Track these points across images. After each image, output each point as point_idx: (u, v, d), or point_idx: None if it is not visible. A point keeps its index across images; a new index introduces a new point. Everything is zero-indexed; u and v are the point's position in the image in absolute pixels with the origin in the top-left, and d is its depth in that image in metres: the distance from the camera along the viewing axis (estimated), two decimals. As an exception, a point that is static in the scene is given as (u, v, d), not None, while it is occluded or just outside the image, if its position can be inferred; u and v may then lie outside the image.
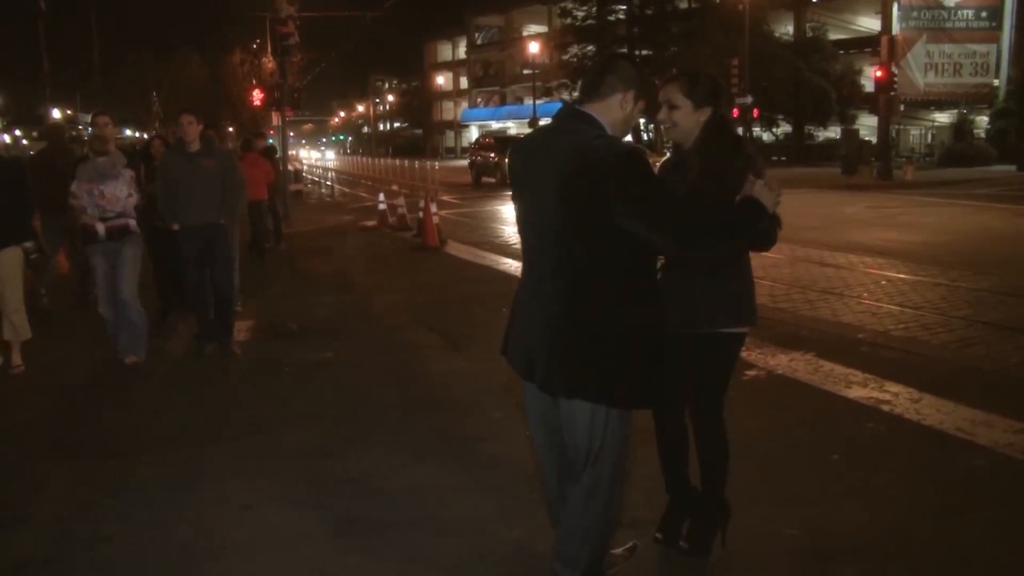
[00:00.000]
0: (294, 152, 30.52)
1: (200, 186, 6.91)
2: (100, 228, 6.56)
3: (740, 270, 3.33)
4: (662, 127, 3.37)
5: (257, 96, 32.19)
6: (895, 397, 5.43)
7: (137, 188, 6.84)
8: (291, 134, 40.82)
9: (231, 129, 54.50)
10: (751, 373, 6.09)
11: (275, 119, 27.79)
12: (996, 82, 39.66)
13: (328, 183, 33.26)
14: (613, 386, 2.83)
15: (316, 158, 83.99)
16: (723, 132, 3.28)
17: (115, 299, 6.68)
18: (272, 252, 13.60)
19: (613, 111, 2.88)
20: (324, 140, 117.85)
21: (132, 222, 6.71)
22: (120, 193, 6.61)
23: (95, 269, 6.82)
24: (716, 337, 3.29)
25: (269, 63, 37.62)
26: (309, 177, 39.56)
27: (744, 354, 6.46)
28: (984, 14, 39.24)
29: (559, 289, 2.85)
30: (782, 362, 6.31)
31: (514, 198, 3.09)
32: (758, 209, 2.84)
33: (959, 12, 39.13)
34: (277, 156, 18.39)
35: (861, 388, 5.65)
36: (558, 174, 2.78)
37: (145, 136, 60.49)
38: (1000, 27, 39.46)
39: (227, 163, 7.20)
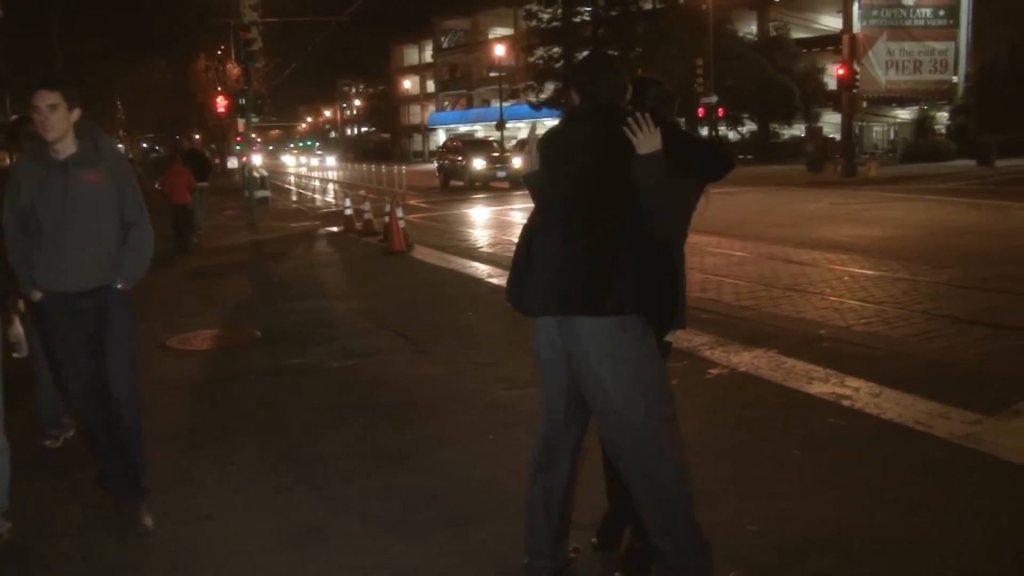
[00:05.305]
0: (259, 161, 30.30)
1: (80, 220, 3.93)
2: None
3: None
4: None
5: (221, 103, 32.00)
6: (855, 392, 5.49)
7: None
8: (258, 140, 40.50)
9: (198, 136, 54.01)
10: (714, 371, 6.14)
11: (240, 125, 27.64)
12: (955, 79, 40.37)
13: (305, 192, 33.02)
14: (635, 299, 3.01)
15: (314, 165, 77.41)
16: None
17: None
18: (189, 245, 15.36)
19: None
20: (318, 144, 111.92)
21: None
22: None
23: None
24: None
25: (234, 69, 37.38)
26: (291, 188, 39.20)
27: (707, 353, 6.55)
28: (942, 12, 39.93)
29: (588, 243, 3.04)
30: (745, 360, 6.36)
31: (539, 177, 3.32)
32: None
33: (918, 11, 39.79)
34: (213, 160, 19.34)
35: (822, 384, 5.71)
36: (598, 142, 3.11)
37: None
38: (957, 25, 40.14)
39: (125, 176, 4.09)
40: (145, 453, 4.18)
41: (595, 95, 3.21)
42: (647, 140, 3.00)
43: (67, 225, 3.91)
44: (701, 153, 3.27)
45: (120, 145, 58.48)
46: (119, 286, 4.02)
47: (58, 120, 3.88)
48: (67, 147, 3.95)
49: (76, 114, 3.96)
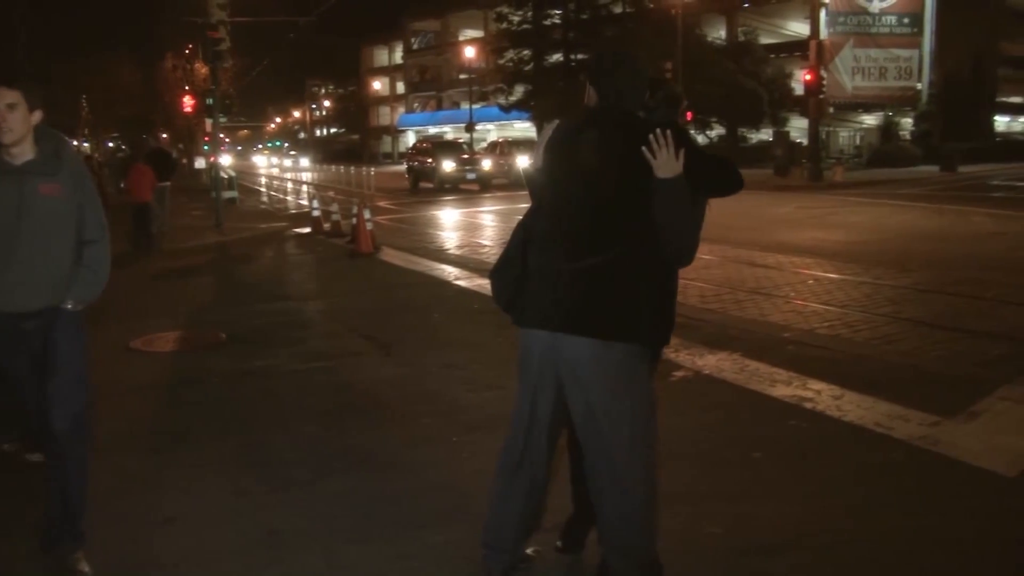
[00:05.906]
0: (227, 161, 30.13)
1: (31, 234, 3.47)
2: None
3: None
4: None
5: (188, 102, 31.73)
6: (817, 394, 5.54)
7: None
8: (227, 140, 40.17)
9: (165, 136, 53.45)
10: (678, 374, 6.17)
11: (208, 125, 27.39)
12: (919, 86, 41.04)
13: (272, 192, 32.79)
14: (641, 326, 3.00)
15: (287, 166, 74.57)
16: None
17: None
18: (153, 242, 15.24)
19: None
20: (288, 144, 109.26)
21: None
22: None
23: None
24: None
25: (202, 68, 37.06)
26: (260, 189, 38.94)
27: (672, 355, 6.57)
28: (907, 20, 40.59)
29: (598, 263, 2.98)
30: (709, 362, 6.40)
31: (544, 181, 3.19)
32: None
33: (883, 18, 40.43)
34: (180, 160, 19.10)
35: (785, 386, 5.76)
36: (617, 158, 3.00)
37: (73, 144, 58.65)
38: (921, 33, 40.81)
39: (87, 190, 3.65)
40: (87, 496, 3.71)
41: (613, 95, 3.11)
42: (667, 164, 2.88)
43: (17, 238, 3.45)
44: (716, 175, 3.11)
45: (86, 144, 57.73)
46: (68, 307, 3.59)
47: (16, 121, 3.43)
48: (25, 152, 3.50)
49: (37, 116, 3.52)
